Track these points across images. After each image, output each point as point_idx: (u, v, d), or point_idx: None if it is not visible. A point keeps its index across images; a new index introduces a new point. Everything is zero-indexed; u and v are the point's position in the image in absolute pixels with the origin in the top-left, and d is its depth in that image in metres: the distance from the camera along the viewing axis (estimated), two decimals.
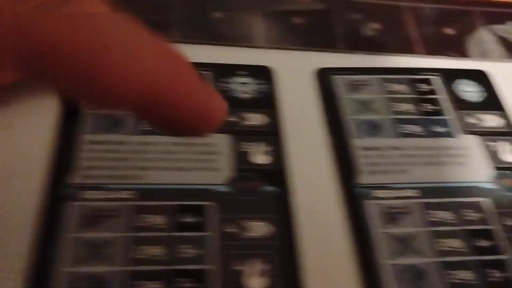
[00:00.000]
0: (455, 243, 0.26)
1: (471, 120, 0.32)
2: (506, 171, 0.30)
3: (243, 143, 0.28)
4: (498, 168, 0.30)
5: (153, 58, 0.16)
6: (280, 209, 0.26)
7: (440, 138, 0.31)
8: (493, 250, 0.26)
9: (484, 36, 0.38)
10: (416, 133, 0.31)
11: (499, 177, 0.29)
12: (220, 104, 0.18)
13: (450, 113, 0.32)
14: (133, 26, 0.16)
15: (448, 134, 0.31)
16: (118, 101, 0.16)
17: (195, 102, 0.17)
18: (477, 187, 0.29)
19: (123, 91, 0.16)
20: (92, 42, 0.15)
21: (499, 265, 0.26)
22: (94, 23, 0.16)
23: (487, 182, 0.29)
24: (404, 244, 0.26)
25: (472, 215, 0.28)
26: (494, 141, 0.31)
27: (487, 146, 0.31)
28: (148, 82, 0.16)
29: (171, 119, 0.17)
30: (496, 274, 0.25)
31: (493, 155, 0.30)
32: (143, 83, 0.16)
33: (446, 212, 0.28)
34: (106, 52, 0.15)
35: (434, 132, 0.31)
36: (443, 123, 0.31)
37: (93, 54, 0.15)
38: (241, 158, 0.28)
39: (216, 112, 0.18)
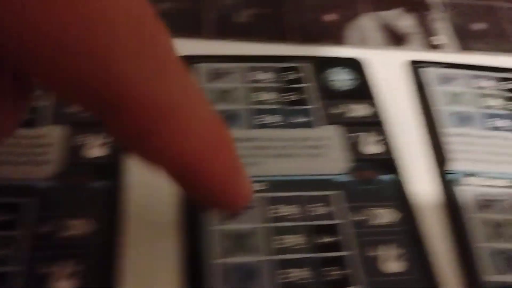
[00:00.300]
0: (296, 240, 0.25)
1: (337, 110, 0.30)
2: (363, 163, 0.28)
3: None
4: (356, 160, 0.28)
5: (205, 129, 0.16)
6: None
7: (299, 129, 0.29)
8: (335, 247, 0.25)
9: (366, 22, 0.36)
10: (273, 123, 0.29)
11: (355, 169, 0.28)
12: (249, 188, 0.19)
13: (314, 103, 0.30)
14: (192, 82, 0.16)
15: (308, 124, 0.29)
16: (154, 161, 0.16)
17: (228, 182, 0.18)
18: (329, 180, 0.27)
19: (166, 157, 0.16)
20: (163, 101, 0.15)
21: (339, 261, 0.24)
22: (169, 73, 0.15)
23: (341, 174, 0.27)
24: (238, 241, 0.24)
25: (319, 209, 0.26)
26: (357, 131, 0.29)
27: (349, 137, 0.29)
28: (194, 154, 0.16)
29: (199, 191, 0.18)
30: (335, 272, 0.24)
31: (353, 147, 0.29)
32: (189, 154, 0.16)
33: (291, 206, 0.26)
34: (174, 117, 0.15)
35: (294, 122, 0.29)
36: (305, 113, 0.30)
37: (162, 116, 0.15)
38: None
39: (245, 196, 0.19)
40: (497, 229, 0.26)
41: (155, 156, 0.16)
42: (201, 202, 0.21)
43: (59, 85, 0.14)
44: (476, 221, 0.26)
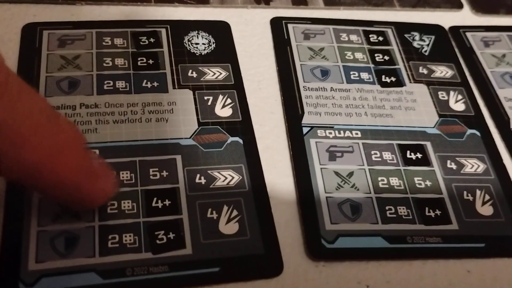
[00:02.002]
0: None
1: (193, 74, 0.30)
2: (213, 127, 0.28)
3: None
4: (205, 124, 0.28)
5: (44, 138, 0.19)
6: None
7: (150, 94, 0.28)
8: (170, 210, 0.24)
9: None
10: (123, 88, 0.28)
11: (198, 134, 0.28)
12: (106, 184, 0.22)
13: (166, 67, 0.30)
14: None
15: (160, 89, 0.29)
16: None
17: (78, 181, 0.21)
18: (177, 144, 0.27)
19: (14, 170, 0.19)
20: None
21: (173, 225, 0.24)
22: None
23: (185, 138, 0.27)
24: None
25: (158, 174, 0.26)
26: (211, 95, 0.29)
27: (203, 101, 0.29)
28: (35, 160, 0.19)
29: (53, 194, 0.21)
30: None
31: (205, 110, 0.28)
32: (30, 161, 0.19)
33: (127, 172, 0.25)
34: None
35: (144, 87, 0.29)
36: (157, 78, 0.29)
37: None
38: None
39: (101, 193, 0.22)
40: (347, 179, 0.27)
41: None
42: (63, 203, 0.23)
43: None
44: (327, 172, 0.27)
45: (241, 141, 0.27)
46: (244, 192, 0.25)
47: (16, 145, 0.18)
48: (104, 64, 0.29)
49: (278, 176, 0.26)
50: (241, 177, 0.26)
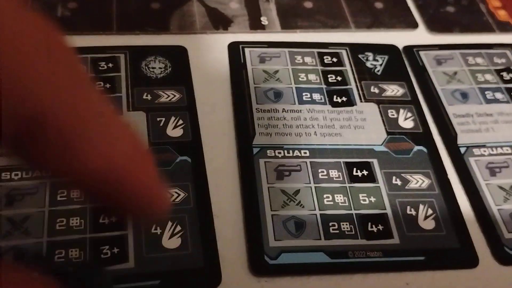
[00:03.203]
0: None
1: (147, 96, 0.31)
2: (165, 146, 0.29)
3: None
4: (157, 144, 0.29)
5: (123, 142, 0.17)
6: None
7: None
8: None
9: (193, 8, 0.37)
10: None
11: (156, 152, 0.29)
12: (166, 194, 0.20)
13: (123, 91, 0.31)
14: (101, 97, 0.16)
15: None
16: (75, 178, 0.16)
17: (148, 193, 0.18)
18: None
19: (86, 171, 0.16)
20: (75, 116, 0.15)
21: (118, 240, 0.25)
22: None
23: None
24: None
25: None
26: (163, 116, 0.30)
27: (156, 122, 0.30)
28: (114, 167, 0.16)
29: (120, 203, 0.18)
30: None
31: (159, 130, 0.30)
32: (110, 167, 0.16)
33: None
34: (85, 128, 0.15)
35: None
36: (116, 101, 0.31)
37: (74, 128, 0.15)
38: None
39: (163, 204, 0.19)
40: (293, 196, 0.28)
41: (79, 171, 0.16)
42: (123, 210, 0.20)
43: None
44: (274, 190, 0.28)
45: (189, 160, 0.28)
46: (189, 209, 0.26)
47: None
48: None
49: (227, 196, 0.28)
50: (186, 195, 0.27)
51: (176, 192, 0.27)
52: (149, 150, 0.20)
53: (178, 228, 0.26)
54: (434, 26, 0.39)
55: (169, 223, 0.26)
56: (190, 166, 0.28)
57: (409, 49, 0.37)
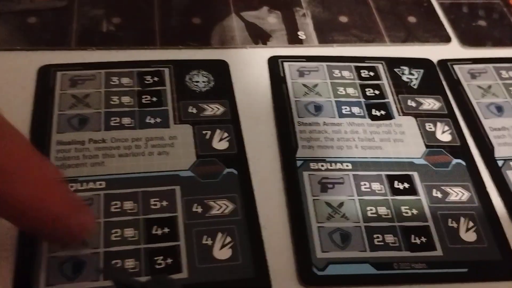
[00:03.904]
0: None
1: (192, 110, 0.32)
2: (212, 159, 0.30)
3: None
4: (204, 156, 0.30)
5: (33, 179, 0.20)
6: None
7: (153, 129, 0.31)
8: (169, 237, 0.27)
9: (232, 23, 0.38)
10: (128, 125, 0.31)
11: (199, 165, 0.30)
12: (87, 219, 0.23)
13: (168, 104, 0.32)
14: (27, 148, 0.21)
15: (162, 124, 0.31)
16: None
17: (64, 217, 0.21)
18: (176, 176, 0.29)
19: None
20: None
21: (171, 251, 0.26)
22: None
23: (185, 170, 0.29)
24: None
25: (158, 203, 0.28)
26: (208, 129, 0.31)
27: (200, 135, 0.31)
28: (24, 201, 0.20)
29: (41, 229, 0.22)
30: (164, 260, 0.26)
31: (203, 143, 0.30)
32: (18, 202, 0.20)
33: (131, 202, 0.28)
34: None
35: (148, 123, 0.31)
36: (163, 114, 0.31)
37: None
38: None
39: (81, 227, 0.22)
40: (338, 209, 0.29)
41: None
42: (47, 238, 0.24)
43: None
44: (319, 203, 0.29)
45: (236, 172, 0.29)
46: (238, 220, 0.27)
47: (4, 181, 0.19)
48: (111, 102, 0.32)
49: (273, 207, 0.28)
50: (235, 206, 0.28)
51: (224, 204, 0.28)
52: (60, 176, 0.23)
53: (228, 239, 0.26)
54: (467, 40, 0.40)
55: (219, 234, 0.27)
56: (236, 178, 0.29)
57: (443, 63, 0.38)
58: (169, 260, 0.25)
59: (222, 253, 0.26)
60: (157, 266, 0.25)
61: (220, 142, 0.30)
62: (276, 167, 0.30)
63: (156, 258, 0.25)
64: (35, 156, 0.21)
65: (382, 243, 0.27)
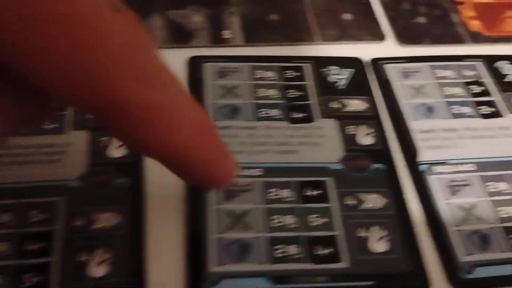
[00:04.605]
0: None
1: None
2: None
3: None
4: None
5: (191, 123, 0.19)
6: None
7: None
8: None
9: (153, 22, 0.36)
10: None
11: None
12: (233, 165, 0.22)
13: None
14: (176, 82, 0.19)
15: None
16: (150, 153, 0.19)
17: (215, 166, 0.21)
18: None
19: (161, 149, 0.19)
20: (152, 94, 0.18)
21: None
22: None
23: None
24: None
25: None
26: None
27: None
28: (182, 145, 0.19)
29: (190, 174, 0.21)
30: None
31: None
32: (180, 144, 0.19)
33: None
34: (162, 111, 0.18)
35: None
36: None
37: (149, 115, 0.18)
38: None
39: (230, 173, 0.22)
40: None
41: (151, 149, 0.19)
42: (193, 182, 0.23)
43: (64, 97, 0.17)
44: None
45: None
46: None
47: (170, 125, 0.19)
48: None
49: None
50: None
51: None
52: (213, 122, 0.22)
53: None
54: (404, 37, 0.38)
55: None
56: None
57: (375, 62, 0.36)
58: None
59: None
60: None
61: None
62: None
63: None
64: (192, 99, 0.20)
65: (284, 255, 0.26)
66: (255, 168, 0.29)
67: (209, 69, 0.34)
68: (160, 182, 0.28)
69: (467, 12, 0.41)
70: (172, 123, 0.18)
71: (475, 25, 0.40)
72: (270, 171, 0.29)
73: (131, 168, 0.28)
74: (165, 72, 0.18)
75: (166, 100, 0.18)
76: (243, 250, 0.26)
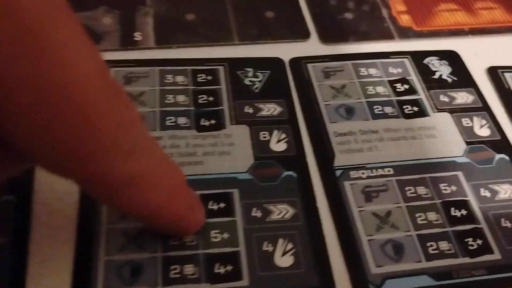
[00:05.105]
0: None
1: None
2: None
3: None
4: None
5: (165, 184, 0.21)
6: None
7: None
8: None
9: None
10: None
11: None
12: (202, 215, 0.24)
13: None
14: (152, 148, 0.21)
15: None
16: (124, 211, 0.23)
17: (185, 218, 0.23)
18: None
19: (135, 210, 0.21)
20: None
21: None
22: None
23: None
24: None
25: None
26: None
27: None
28: (155, 206, 0.21)
29: (163, 228, 0.24)
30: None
31: None
32: (150, 208, 0.21)
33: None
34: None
35: None
36: None
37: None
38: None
39: (198, 224, 0.24)
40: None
41: (127, 211, 0.22)
42: (166, 233, 0.25)
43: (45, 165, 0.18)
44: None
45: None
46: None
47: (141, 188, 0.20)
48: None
49: None
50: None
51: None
52: (184, 176, 0.23)
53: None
54: (328, 35, 0.37)
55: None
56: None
57: (295, 62, 0.34)
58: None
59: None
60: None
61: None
62: None
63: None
64: (168, 158, 0.22)
65: (179, 275, 0.24)
66: None
67: (113, 74, 0.32)
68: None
69: (397, 7, 0.40)
70: (147, 188, 0.20)
71: (405, 20, 0.39)
72: None
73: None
74: (146, 140, 0.20)
75: (143, 168, 0.19)
76: (133, 272, 0.24)
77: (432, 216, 0.27)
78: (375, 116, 0.32)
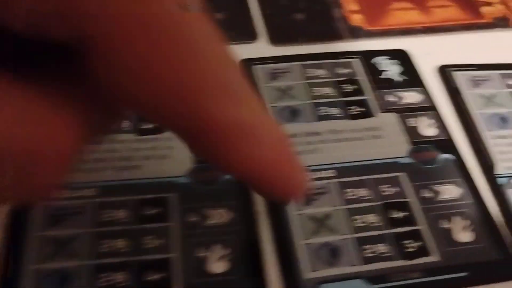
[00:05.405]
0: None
1: None
2: None
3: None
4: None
5: (270, 139, 0.19)
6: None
7: None
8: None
9: None
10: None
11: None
12: (305, 179, 0.21)
13: None
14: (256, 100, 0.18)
15: None
16: (229, 171, 0.19)
17: (291, 180, 0.20)
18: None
19: (240, 168, 0.18)
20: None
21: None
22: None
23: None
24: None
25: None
26: None
27: None
28: (261, 162, 0.18)
29: (267, 189, 0.20)
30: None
31: None
32: (256, 163, 0.18)
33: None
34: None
35: None
36: None
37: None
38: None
39: (304, 186, 0.21)
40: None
41: (230, 166, 0.18)
42: (271, 196, 0.24)
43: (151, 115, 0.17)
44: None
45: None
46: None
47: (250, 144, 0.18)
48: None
49: None
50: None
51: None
52: (288, 140, 0.21)
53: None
54: (278, 37, 0.36)
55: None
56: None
57: (243, 64, 0.34)
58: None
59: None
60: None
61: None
62: None
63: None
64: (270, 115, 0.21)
65: (113, 284, 0.24)
66: (87, 188, 0.27)
67: None
68: None
69: (350, 6, 0.40)
70: (253, 140, 0.18)
71: (357, 19, 0.39)
72: (106, 190, 0.27)
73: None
74: (247, 87, 0.18)
75: (248, 116, 0.18)
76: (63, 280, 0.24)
77: (371, 218, 0.27)
78: (320, 118, 0.31)
